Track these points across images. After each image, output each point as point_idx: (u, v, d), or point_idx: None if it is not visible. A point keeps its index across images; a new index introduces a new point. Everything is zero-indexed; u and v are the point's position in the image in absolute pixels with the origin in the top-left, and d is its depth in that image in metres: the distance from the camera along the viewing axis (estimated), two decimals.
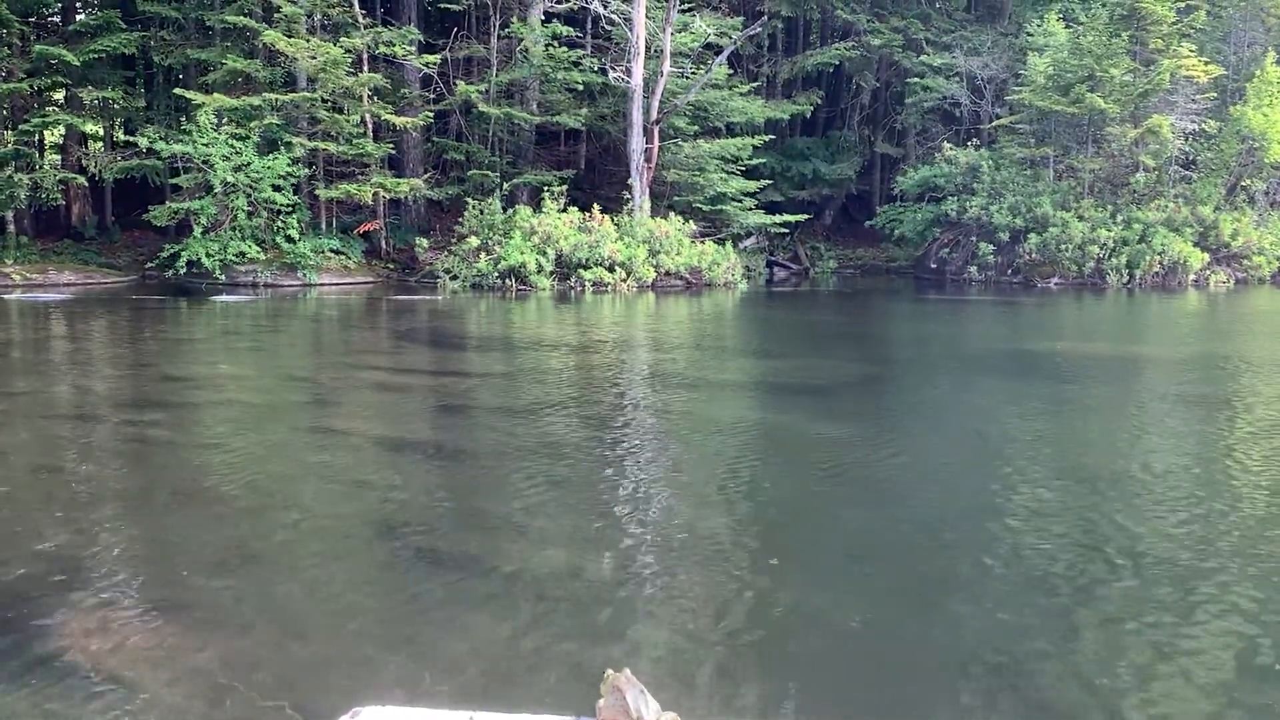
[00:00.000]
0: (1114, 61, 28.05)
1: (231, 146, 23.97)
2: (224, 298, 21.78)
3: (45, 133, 27.82)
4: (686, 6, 29.15)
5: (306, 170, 25.35)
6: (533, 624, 4.97)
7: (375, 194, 25.58)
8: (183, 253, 23.77)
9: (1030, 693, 4.33)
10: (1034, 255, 28.31)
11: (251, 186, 24.03)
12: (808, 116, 35.17)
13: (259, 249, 24.27)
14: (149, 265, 25.24)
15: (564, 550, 6.02)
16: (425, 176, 27.41)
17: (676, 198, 28.27)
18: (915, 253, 32.65)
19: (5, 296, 21.47)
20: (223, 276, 23.88)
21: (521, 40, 27.54)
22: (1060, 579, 5.58)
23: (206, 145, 23.75)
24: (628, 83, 26.78)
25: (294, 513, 6.79)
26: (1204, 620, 5.02)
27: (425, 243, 26.35)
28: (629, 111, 27.08)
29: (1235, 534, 6.30)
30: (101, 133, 28.88)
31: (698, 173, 28.31)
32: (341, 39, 25.08)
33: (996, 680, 4.45)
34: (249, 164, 24.00)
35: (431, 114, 27.54)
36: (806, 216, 32.52)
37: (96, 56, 24.84)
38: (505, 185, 27.01)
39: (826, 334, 18.49)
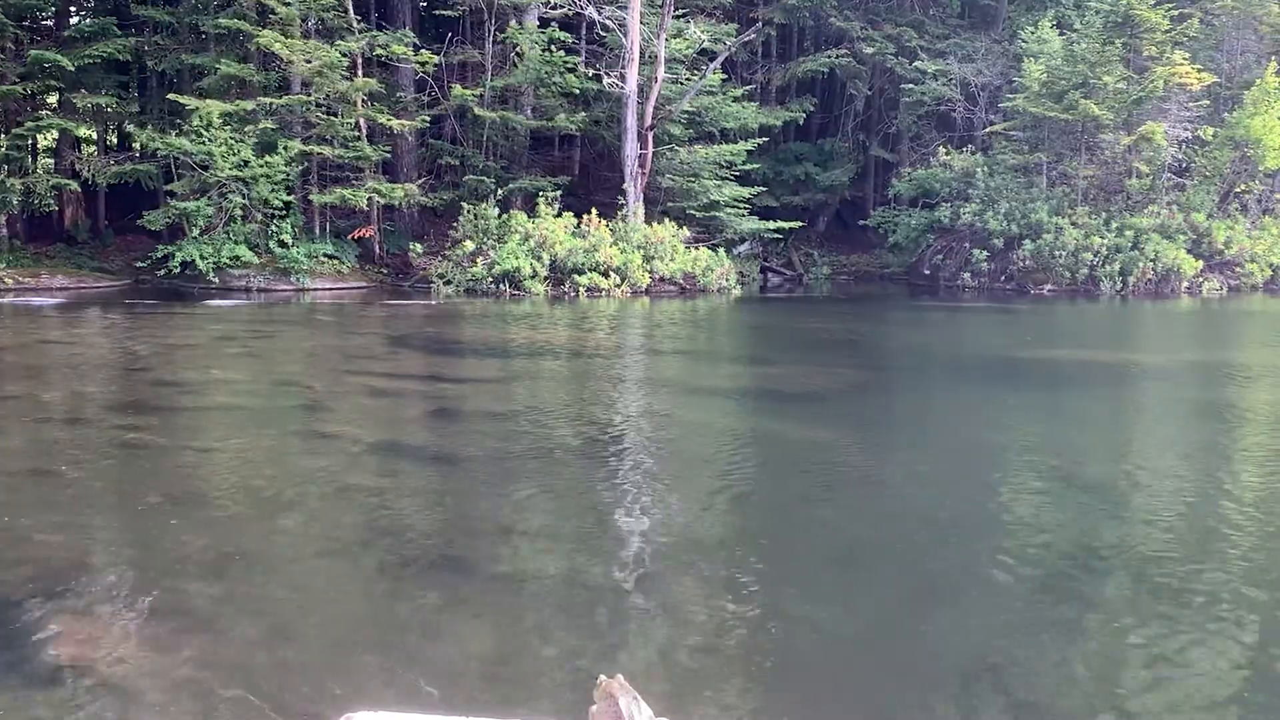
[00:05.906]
0: (1108, 69, 28.12)
1: (228, 146, 23.93)
2: (217, 302, 21.72)
3: (38, 137, 27.72)
4: (681, 12, 29.16)
5: (301, 167, 25.26)
6: (526, 629, 4.95)
7: (369, 199, 25.55)
8: (176, 253, 23.74)
9: (1028, 698, 4.31)
10: (1028, 262, 28.35)
11: (246, 185, 23.97)
12: (801, 123, 35.19)
13: (252, 254, 24.23)
14: (141, 265, 25.12)
15: (557, 556, 6.00)
16: (419, 182, 27.37)
17: (671, 203, 28.25)
18: (909, 259, 32.66)
19: None
20: (216, 280, 23.83)
21: (516, 45, 27.54)
22: (1057, 585, 5.57)
23: (208, 141, 23.69)
24: (622, 88, 26.78)
25: (286, 518, 6.76)
26: (1204, 627, 5.01)
27: (419, 248, 26.32)
28: (623, 117, 27.09)
29: (1235, 541, 6.30)
30: (95, 137, 28.80)
31: (692, 179, 28.32)
32: (337, 43, 25.05)
33: (993, 685, 4.44)
34: (247, 162, 23.95)
35: (427, 119, 27.51)
36: (800, 223, 32.54)
37: (91, 61, 24.77)
38: (500, 190, 26.98)
39: (820, 340, 18.48)
